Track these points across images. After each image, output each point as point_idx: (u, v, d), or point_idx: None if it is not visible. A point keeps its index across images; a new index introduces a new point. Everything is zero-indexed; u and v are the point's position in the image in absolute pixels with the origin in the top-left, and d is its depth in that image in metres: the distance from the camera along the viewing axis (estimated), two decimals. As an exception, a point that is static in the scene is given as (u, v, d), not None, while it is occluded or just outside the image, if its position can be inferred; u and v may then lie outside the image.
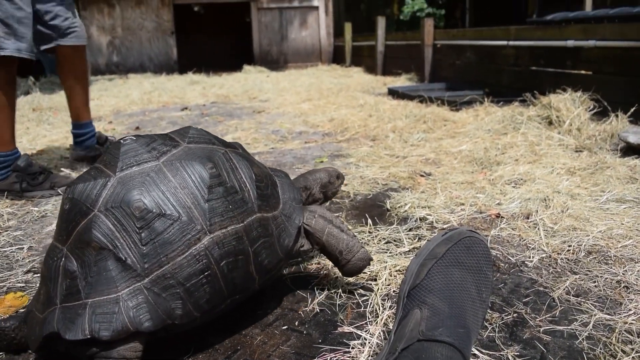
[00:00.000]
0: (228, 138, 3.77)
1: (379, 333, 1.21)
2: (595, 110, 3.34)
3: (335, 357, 1.13)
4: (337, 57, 12.40)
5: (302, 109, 4.99)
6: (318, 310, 1.34)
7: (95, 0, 10.83)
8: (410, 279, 1.00)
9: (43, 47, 2.68)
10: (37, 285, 1.45)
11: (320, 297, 1.40)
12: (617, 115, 3.22)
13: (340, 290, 1.42)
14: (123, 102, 6.18)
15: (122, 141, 1.15)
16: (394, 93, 5.56)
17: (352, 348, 1.15)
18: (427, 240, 1.11)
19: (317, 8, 12.52)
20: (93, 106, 5.73)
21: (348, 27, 11.09)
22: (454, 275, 0.98)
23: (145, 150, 1.14)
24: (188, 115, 5.08)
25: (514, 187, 2.22)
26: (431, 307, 0.94)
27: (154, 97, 6.53)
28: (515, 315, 1.28)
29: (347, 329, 1.24)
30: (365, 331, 1.22)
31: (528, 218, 1.89)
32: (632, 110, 3.23)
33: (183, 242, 1.07)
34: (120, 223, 1.05)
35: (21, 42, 2.32)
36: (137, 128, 4.47)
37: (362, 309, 1.33)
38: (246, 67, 11.19)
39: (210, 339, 1.23)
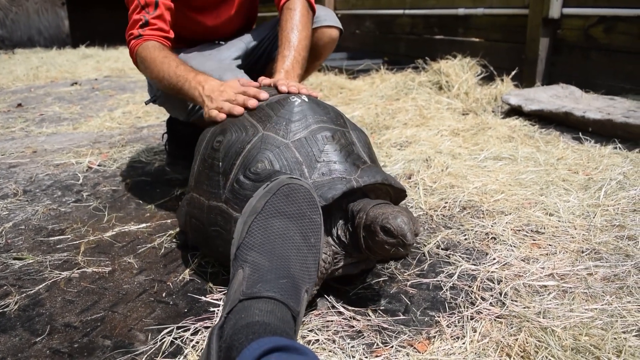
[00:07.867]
0: (118, 112, 3.57)
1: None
2: (482, 75, 3.46)
3: (196, 325, 1.08)
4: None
5: (201, 81, 4.80)
6: (188, 280, 1.28)
7: (-28, -32, 9.85)
8: (237, 240, 0.97)
9: None
10: None
11: (193, 264, 1.34)
12: (502, 80, 3.36)
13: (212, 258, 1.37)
14: (6, 79, 5.69)
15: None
16: (295, 63, 5.50)
17: (216, 315, 1.12)
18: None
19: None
20: (-30, 84, 5.25)
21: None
22: (275, 226, 0.95)
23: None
24: (77, 91, 4.76)
25: (399, 149, 2.25)
26: (252, 265, 0.91)
27: (41, 73, 6.07)
28: (387, 272, 1.29)
29: (215, 296, 1.20)
30: (232, 298, 1.18)
31: (410, 178, 1.92)
32: (513, 73, 3.37)
33: None
34: None
35: None
36: (20, 105, 4.14)
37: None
38: (146, 40, 10.61)
39: (67, 318, 1.14)
